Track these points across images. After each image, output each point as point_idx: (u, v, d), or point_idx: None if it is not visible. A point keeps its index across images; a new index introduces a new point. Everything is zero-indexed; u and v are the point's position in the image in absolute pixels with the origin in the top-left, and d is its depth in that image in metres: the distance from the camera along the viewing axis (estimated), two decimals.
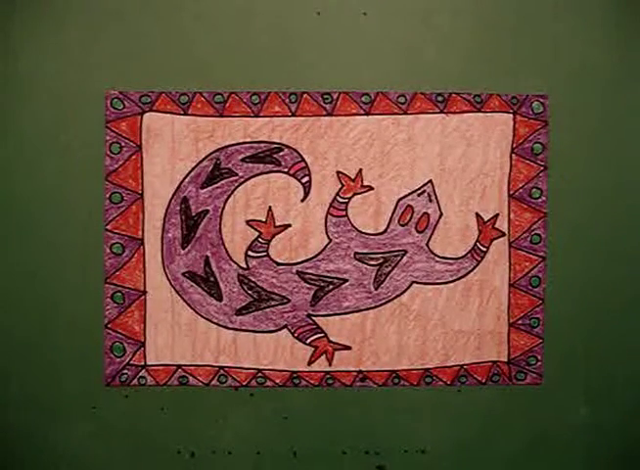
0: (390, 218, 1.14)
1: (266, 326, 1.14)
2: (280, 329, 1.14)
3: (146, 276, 1.13)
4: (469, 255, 1.15)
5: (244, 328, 1.14)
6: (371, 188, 1.14)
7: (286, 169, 1.13)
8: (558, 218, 1.15)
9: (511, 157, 1.14)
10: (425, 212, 1.14)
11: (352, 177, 1.13)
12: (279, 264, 1.14)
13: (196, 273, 1.13)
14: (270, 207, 1.13)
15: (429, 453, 1.15)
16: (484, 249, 1.15)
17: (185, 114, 1.12)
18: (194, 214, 1.13)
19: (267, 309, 1.14)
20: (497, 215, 1.15)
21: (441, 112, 1.13)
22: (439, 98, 1.13)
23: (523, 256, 1.15)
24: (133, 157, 1.12)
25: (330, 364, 1.14)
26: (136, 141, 1.12)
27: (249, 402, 1.14)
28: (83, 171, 1.11)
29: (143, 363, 1.13)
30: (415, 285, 1.15)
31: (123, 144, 1.12)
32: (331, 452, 1.15)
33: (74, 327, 1.12)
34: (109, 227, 1.12)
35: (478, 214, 1.15)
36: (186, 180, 1.12)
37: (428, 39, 1.13)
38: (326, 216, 1.13)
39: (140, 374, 1.13)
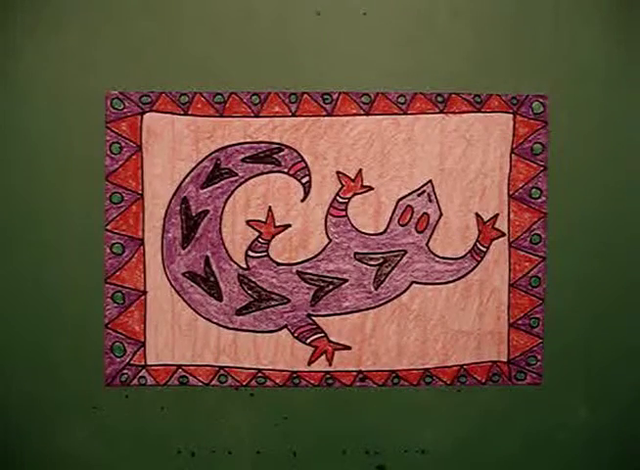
0: (390, 218, 1.14)
1: (266, 326, 1.14)
2: (280, 329, 1.14)
3: (146, 276, 1.13)
4: (469, 255, 1.15)
5: (244, 328, 1.14)
6: (371, 188, 1.14)
7: (286, 169, 1.13)
8: (558, 218, 1.15)
9: (511, 157, 1.14)
10: (425, 213, 1.14)
11: (352, 177, 1.13)
12: (279, 264, 1.14)
13: (196, 273, 1.13)
14: (270, 207, 1.13)
15: (429, 453, 1.15)
16: (484, 249, 1.15)
17: (185, 114, 1.12)
18: (194, 214, 1.13)
19: (267, 309, 1.14)
20: (497, 216, 1.15)
21: (441, 112, 1.13)
22: (439, 98, 1.13)
23: (522, 256, 1.15)
24: (133, 157, 1.12)
25: (330, 364, 1.14)
26: (136, 141, 1.12)
27: (249, 402, 1.14)
28: (83, 171, 1.11)
29: (143, 363, 1.13)
30: (415, 285, 1.15)
31: (123, 144, 1.12)
32: (331, 452, 1.15)
33: (74, 327, 1.12)
34: (109, 227, 1.12)
35: (477, 215, 1.15)
36: (186, 180, 1.12)
37: (428, 39, 1.13)
38: (326, 216, 1.13)
39: (140, 374, 1.13)
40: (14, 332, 1.12)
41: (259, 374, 1.14)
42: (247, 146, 1.13)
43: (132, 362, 1.13)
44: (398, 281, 1.15)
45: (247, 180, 1.13)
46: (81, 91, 1.11)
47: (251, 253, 1.13)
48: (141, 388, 1.13)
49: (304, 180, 1.13)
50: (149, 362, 1.13)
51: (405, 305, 1.14)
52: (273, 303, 1.14)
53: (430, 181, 1.14)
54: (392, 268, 1.14)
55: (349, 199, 1.14)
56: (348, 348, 1.15)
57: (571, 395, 1.16)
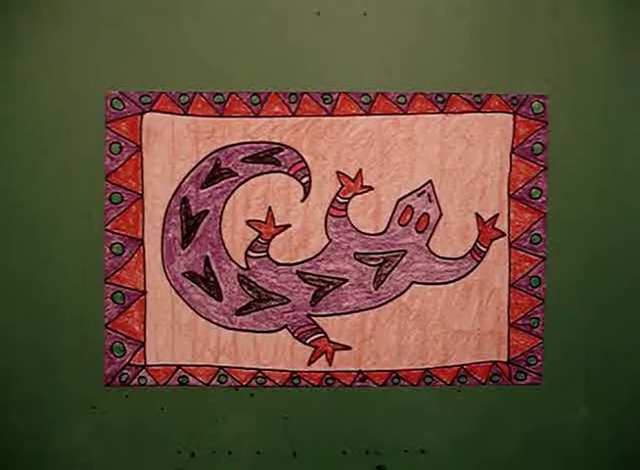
0: (390, 218, 1.14)
1: (266, 326, 1.14)
2: (280, 329, 1.14)
3: (146, 276, 1.13)
4: (469, 255, 1.15)
5: (244, 328, 1.14)
6: (371, 188, 1.14)
7: (286, 170, 1.13)
8: (558, 218, 1.15)
9: (511, 157, 1.14)
10: (425, 213, 1.14)
11: (352, 177, 1.13)
12: (279, 264, 1.14)
13: (196, 273, 1.13)
14: (270, 207, 1.13)
15: (429, 453, 1.15)
16: (484, 249, 1.15)
17: (185, 114, 1.12)
18: (194, 215, 1.13)
19: (267, 309, 1.14)
20: (497, 216, 1.15)
21: (441, 112, 1.13)
22: (439, 98, 1.13)
23: (523, 256, 1.15)
24: (133, 157, 1.12)
25: (330, 364, 1.15)
26: (136, 141, 1.12)
27: (249, 402, 1.14)
28: (83, 171, 1.11)
29: (143, 363, 1.13)
30: (415, 285, 1.15)
31: (123, 144, 1.12)
32: (331, 452, 1.15)
33: (74, 327, 1.12)
34: (109, 227, 1.12)
35: (477, 215, 1.15)
36: (186, 180, 1.12)
37: (428, 39, 1.13)
38: (326, 216, 1.14)
39: (140, 374, 1.13)
40: (14, 332, 1.12)
41: (259, 374, 1.14)
42: (247, 146, 1.13)
43: (132, 362, 1.13)
44: (398, 281, 1.15)
45: (247, 180, 1.13)
46: (81, 91, 1.11)
47: (250, 253, 1.13)
48: (141, 388, 1.13)
49: (304, 180, 1.13)
50: (149, 362, 1.13)
51: (405, 305, 1.14)
52: (273, 303, 1.14)
53: (430, 181, 1.14)
54: (392, 268, 1.14)
55: (349, 199, 1.14)
56: (348, 348, 1.15)
57: (571, 395, 1.16)
